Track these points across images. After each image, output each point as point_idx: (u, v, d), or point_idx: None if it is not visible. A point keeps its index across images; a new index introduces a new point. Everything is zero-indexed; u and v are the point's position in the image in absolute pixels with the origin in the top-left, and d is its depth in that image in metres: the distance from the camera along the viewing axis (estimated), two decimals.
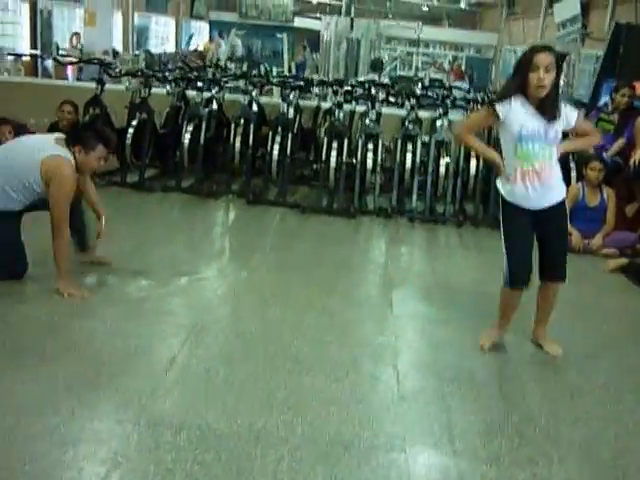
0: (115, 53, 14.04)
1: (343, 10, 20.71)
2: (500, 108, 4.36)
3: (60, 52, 11.84)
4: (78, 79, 13.73)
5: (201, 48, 21.13)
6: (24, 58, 14.20)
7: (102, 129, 5.47)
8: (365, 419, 3.68)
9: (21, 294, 4.98)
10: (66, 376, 3.86)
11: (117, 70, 9.14)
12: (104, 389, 3.77)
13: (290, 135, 8.46)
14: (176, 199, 8.12)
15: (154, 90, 8.99)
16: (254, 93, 9.17)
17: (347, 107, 9.20)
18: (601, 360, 4.75)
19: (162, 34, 28.13)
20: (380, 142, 8.47)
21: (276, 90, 10.82)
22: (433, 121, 8.98)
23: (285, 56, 14.60)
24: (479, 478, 3.29)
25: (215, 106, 9.02)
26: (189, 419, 3.53)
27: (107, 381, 3.87)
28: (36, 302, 4.86)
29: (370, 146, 8.31)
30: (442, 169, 8.25)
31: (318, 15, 26.57)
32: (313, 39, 22.76)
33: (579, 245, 7.23)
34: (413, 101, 8.95)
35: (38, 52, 16.32)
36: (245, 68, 10.95)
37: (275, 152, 8.29)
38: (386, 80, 12.48)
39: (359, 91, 9.41)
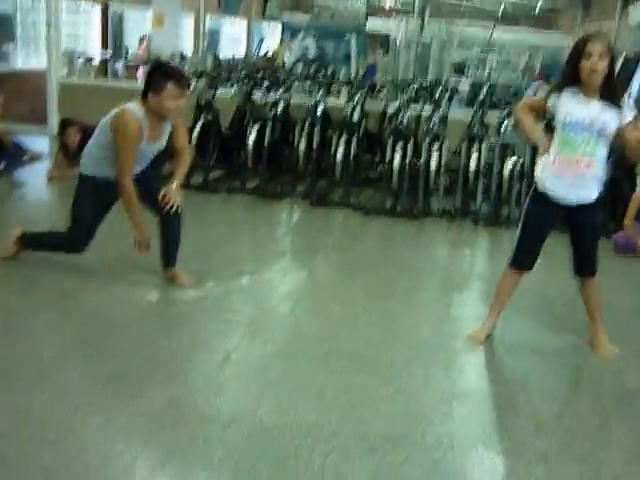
0: (182, 57, 14.18)
1: (415, 11, 20.63)
2: (550, 97, 4.44)
3: (129, 55, 12.05)
4: None
5: (271, 54, 21.22)
6: (95, 61, 14.49)
7: (168, 67, 5.16)
8: (415, 417, 3.72)
9: (83, 292, 5.11)
10: (124, 370, 3.98)
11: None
12: (158, 384, 3.87)
13: (355, 137, 8.50)
14: (240, 200, 8.22)
15: (220, 92, 9.12)
16: (319, 95, 9.21)
17: (413, 110, 9.23)
18: None
19: (234, 36, 28.34)
20: (445, 144, 8.46)
21: (344, 93, 10.86)
22: (500, 123, 8.93)
23: (353, 58, 14.62)
24: (525, 475, 3.30)
25: (280, 108, 9.07)
26: (240, 414, 3.61)
27: (161, 376, 3.97)
28: (99, 299, 5.00)
29: (434, 148, 8.31)
30: (506, 172, 8.20)
31: (390, 17, 26.49)
32: (385, 42, 22.73)
33: None
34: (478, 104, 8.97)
35: (107, 56, 16.61)
36: (312, 70, 10.99)
37: (339, 154, 8.33)
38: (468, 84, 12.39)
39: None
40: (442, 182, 8.49)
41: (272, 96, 9.20)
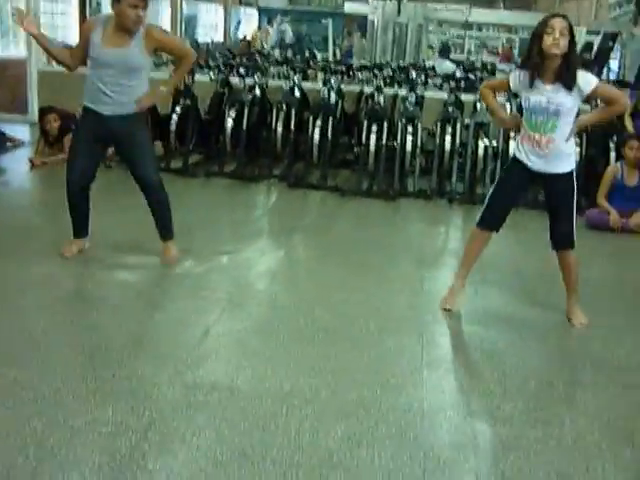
0: None
1: None
2: (512, 79, 4.69)
3: None
4: None
5: (249, 37, 21.32)
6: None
7: None
8: (387, 384, 3.90)
9: (67, 275, 5.27)
10: (108, 344, 4.17)
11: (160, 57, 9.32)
12: (142, 356, 4.06)
13: (331, 119, 8.65)
14: (219, 183, 8.36)
15: (198, 77, 9.23)
16: (296, 79, 9.35)
17: (389, 91, 9.38)
18: (627, 334, 4.86)
19: (211, 22, 28.30)
20: (420, 125, 8.62)
21: (320, 76, 10.99)
22: (475, 104, 9.08)
23: (330, 42, 14.75)
24: (491, 436, 3.49)
25: (258, 92, 9.20)
26: (220, 383, 3.79)
27: (145, 349, 4.17)
28: (82, 280, 5.19)
29: (410, 129, 8.46)
30: (481, 151, 8.36)
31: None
32: (363, 25, 22.81)
33: (617, 224, 7.30)
34: (453, 84, 9.13)
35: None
36: (290, 54, 11.11)
37: (316, 136, 8.49)
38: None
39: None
40: (418, 163, 8.65)
41: (250, 81, 9.33)
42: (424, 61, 13.70)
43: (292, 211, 7.63)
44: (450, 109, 8.85)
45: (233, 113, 8.71)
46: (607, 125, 8.40)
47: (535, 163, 4.69)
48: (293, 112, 8.83)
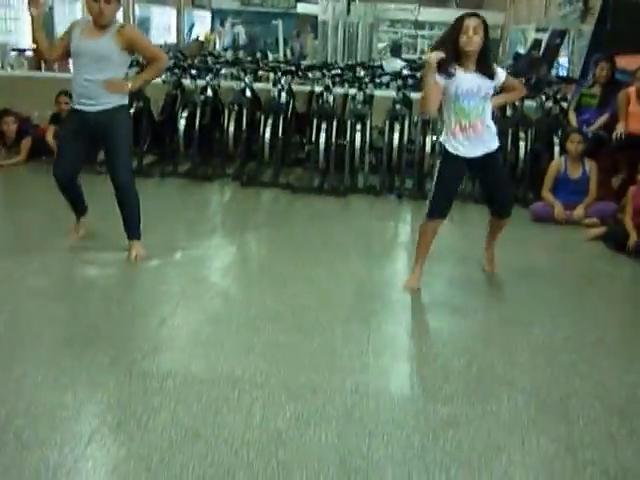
0: None
1: None
2: (436, 76, 4.97)
3: None
4: None
5: (202, 38, 21.41)
6: (27, 53, 14.53)
7: None
8: (335, 369, 4.10)
9: (27, 273, 5.40)
10: (67, 336, 4.36)
11: None
12: (100, 346, 4.23)
13: (282, 119, 8.81)
14: (173, 183, 8.49)
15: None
16: (247, 79, 9.51)
17: (339, 90, 9.58)
18: (566, 319, 5.11)
19: (164, 25, 28.31)
20: (369, 123, 8.83)
21: (271, 76, 11.14)
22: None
23: (281, 43, 14.90)
24: (432, 415, 3.69)
25: (210, 93, 9.34)
26: (174, 370, 3.97)
27: (103, 340, 4.33)
28: (42, 277, 5.30)
29: (358, 127, 8.67)
30: (428, 147, 8.58)
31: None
32: (315, 25, 22.95)
33: (562, 216, 7.51)
34: (400, 82, 9.36)
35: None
36: (243, 55, 11.24)
37: (267, 135, 8.64)
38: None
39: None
40: (367, 160, 8.86)
41: (202, 82, 9.47)
42: (373, 60, 13.91)
43: (245, 209, 7.80)
44: (398, 107, 9.06)
45: (186, 114, 8.85)
46: (552, 120, 8.71)
47: (471, 151, 5.15)
48: (245, 112, 8.99)
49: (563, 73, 14.65)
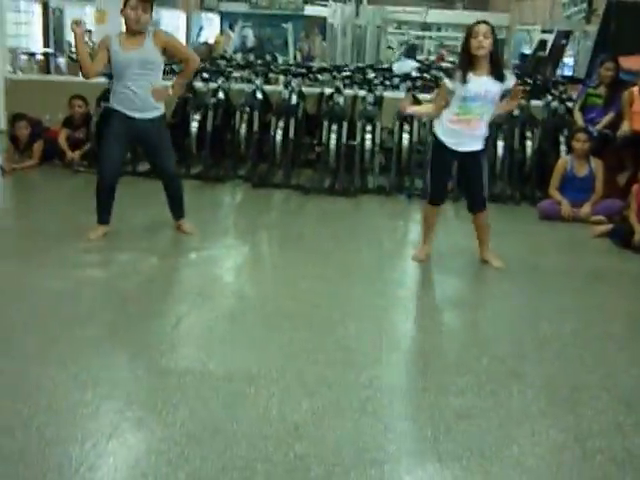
0: None
1: None
2: (447, 82, 5.56)
3: (72, 49, 12.27)
4: None
5: (211, 41, 21.46)
6: (38, 57, 14.66)
7: None
8: (348, 364, 4.18)
9: (46, 276, 5.49)
10: (85, 334, 4.43)
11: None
12: (118, 344, 4.36)
13: (293, 121, 8.88)
14: (186, 185, 8.28)
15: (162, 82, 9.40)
16: (258, 82, 9.60)
17: (349, 92, 9.66)
18: (573, 314, 5.19)
19: (173, 28, 28.31)
20: (379, 124, 8.91)
21: (282, 79, 11.20)
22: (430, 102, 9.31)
23: (290, 45, 14.95)
24: (445, 407, 3.77)
25: (221, 95, 9.42)
26: (192, 367, 4.05)
27: (121, 338, 4.45)
28: (61, 280, 5.38)
29: (368, 128, 8.76)
30: None
31: (328, 2, 26.63)
32: (323, 27, 22.97)
33: (569, 214, 7.61)
34: (409, 83, 9.44)
35: (51, 50, 16.75)
36: (252, 58, 11.31)
37: (278, 137, 8.73)
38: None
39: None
40: (377, 160, 8.94)
41: (213, 85, 9.57)
42: (382, 62, 13.95)
43: (256, 210, 7.89)
44: None
45: (198, 117, 8.96)
46: (558, 120, 8.79)
47: (457, 144, 5.61)
48: (256, 114, 9.07)
49: (568, 73, 14.67)
